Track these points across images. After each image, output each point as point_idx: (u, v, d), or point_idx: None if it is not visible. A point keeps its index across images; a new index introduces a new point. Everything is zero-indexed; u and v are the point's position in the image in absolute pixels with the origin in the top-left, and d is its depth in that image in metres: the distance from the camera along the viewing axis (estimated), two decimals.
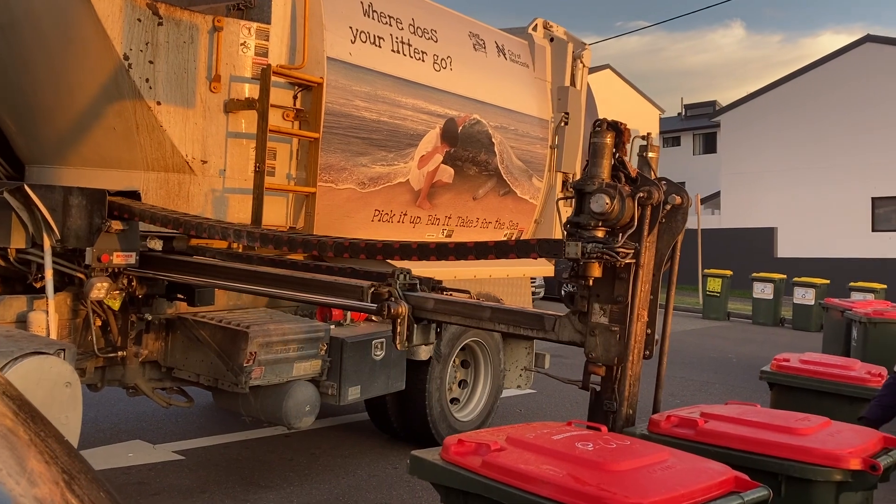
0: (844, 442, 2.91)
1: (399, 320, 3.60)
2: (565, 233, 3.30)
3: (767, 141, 29.95)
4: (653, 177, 3.33)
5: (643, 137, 3.66)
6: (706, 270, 20.10)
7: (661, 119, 43.40)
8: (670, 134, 45.94)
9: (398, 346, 3.67)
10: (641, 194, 3.15)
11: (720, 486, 2.27)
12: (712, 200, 35.83)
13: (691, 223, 29.30)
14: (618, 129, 3.21)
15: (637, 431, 3.06)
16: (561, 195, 7.70)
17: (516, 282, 7.21)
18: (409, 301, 3.68)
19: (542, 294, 19.81)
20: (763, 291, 18.63)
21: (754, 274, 19.21)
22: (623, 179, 3.20)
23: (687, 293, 25.04)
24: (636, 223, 3.13)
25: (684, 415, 3.19)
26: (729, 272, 19.65)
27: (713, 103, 47.01)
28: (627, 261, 3.15)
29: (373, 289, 3.76)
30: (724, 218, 31.28)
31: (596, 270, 3.18)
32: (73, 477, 0.87)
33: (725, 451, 2.80)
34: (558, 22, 7.78)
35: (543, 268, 7.75)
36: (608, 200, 3.06)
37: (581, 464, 2.23)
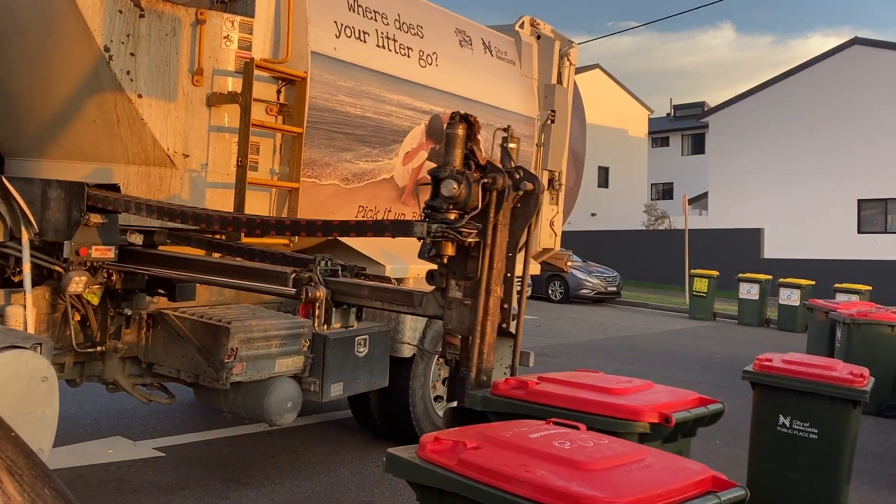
0: (652, 400, 3.24)
1: (318, 304, 3.83)
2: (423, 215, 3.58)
3: (755, 142, 30.09)
4: (512, 165, 3.61)
5: (504, 130, 3.97)
6: (693, 271, 20.17)
7: (649, 119, 43.55)
8: (659, 134, 46.11)
9: (316, 328, 3.92)
10: (487, 180, 3.43)
11: (697, 486, 2.25)
12: (700, 201, 35.99)
13: (679, 223, 29.42)
14: (469, 121, 3.48)
15: (479, 395, 3.35)
16: (548, 194, 7.69)
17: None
18: (328, 286, 3.90)
19: (528, 293, 19.82)
20: (749, 292, 18.71)
21: (741, 274, 19.30)
22: (473, 167, 3.45)
23: (673, 293, 25.15)
24: (480, 206, 3.41)
25: (522, 378, 3.46)
26: (715, 273, 19.73)
27: (702, 104, 47.21)
28: (471, 240, 3.44)
29: (294, 274, 3.97)
30: (711, 218, 31.42)
31: (449, 249, 3.48)
32: (15, 472, 0.84)
33: (548, 409, 3.13)
34: (549, 21, 7.77)
35: (531, 266, 7.73)
36: (456, 185, 3.35)
37: (558, 462, 2.21)
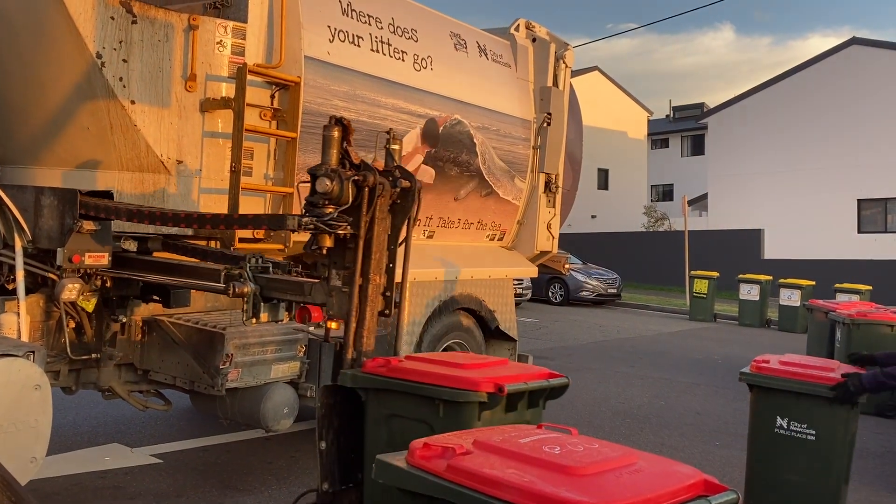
0: (495, 374, 3.45)
1: (245, 299, 4.06)
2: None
3: (755, 143, 30.08)
4: (394, 165, 3.96)
5: (387, 132, 4.26)
6: (693, 272, 20.15)
7: (649, 121, 43.53)
8: (658, 136, 46.10)
9: (244, 322, 4.13)
10: (358, 177, 3.71)
11: (689, 490, 2.23)
12: (700, 202, 35.96)
13: (679, 225, 29.36)
14: (343, 124, 3.77)
15: (349, 373, 3.64)
16: (545, 196, 7.69)
17: (499, 283, 7.18)
18: (257, 282, 4.12)
19: (528, 296, 19.81)
20: (749, 293, 18.69)
21: (741, 275, 19.28)
22: (348, 166, 3.74)
23: (674, 294, 25.13)
24: (352, 201, 3.70)
25: (389, 357, 3.73)
26: (715, 274, 19.71)
27: (701, 105, 47.19)
28: (342, 232, 3.74)
29: (226, 271, 4.18)
30: (711, 219, 31.39)
31: (327, 241, 3.78)
32: None
33: (404, 382, 3.43)
34: (547, 24, 7.77)
35: (527, 269, 7.73)
36: (329, 182, 3.64)
37: (547, 467, 2.20)
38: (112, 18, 4.49)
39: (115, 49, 4.50)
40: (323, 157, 3.77)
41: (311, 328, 5.50)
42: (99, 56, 4.44)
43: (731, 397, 9.54)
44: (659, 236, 32.69)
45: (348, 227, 3.75)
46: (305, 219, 3.68)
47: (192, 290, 4.96)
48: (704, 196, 34.23)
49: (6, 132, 5.00)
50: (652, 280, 29.19)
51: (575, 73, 8.28)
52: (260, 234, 5.23)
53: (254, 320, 4.11)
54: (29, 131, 4.86)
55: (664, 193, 45.18)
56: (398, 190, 3.84)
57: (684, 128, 45.01)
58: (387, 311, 3.96)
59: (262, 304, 4.13)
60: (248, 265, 4.14)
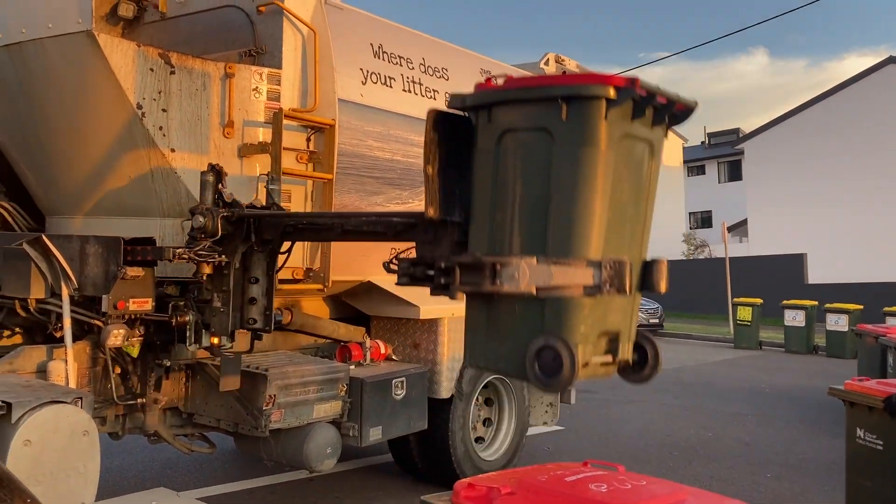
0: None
1: (188, 326, 4.42)
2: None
3: (793, 166, 29.69)
4: (272, 202, 4.49)
5: (267, 174, 4.73)
6: (736, 299, 19.81)
7: (684, 148, 43.28)
8: (695, 163, 45.78)
9: (187, 348, 4.48)
10: (226, 214, 4.21)
11: None
12: (740, 228, 35.50)
13: (719, 252, 28.84)
14: (216, 170, 4.32)
15: (459, 95, 3.11)
16: None
17: None
18: (199, 310, 4.47)
19: None
20: (795, 319, 18.31)
21: (785, 301, 18.89)
22: (222, 204, 4.26)
23: (717, 323, 24.70)
24: (221, 233, 4.19)
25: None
26: (759, 300, 19.34)
27: (737, 131, 46.83)
28: (210, 260, 4.21)
29: (172, 302, 4.50)
30: (752, 245, 30.94)
31: (206, 269, 4.26)
32: None
33: (523, 89, 2.88)
34: (578, 55, 7.88)
35: None
36: (201, 219, 4.16)
37: None
38: (151, 70, 4.62)
39: (154, 99, 4.63)
40: (200, 198, 4.32)
41: (352, 367, 5.52)
42: (139, 107, 4.57)
43: (780, 427, 9.30)
44: (699, 264, 32.26)
45: (221, 257, 4.26)
46: (179, 250, 4.18)
47: (236, 331, 5.01)
48: (744, 222, 33.82)
49: (52, 183, 5.15)
50: (694, 308, 28.74)
51: None
52: (299, 274, 5.29)
53: (195, 346, 4.49)
54: (73, 182, 5.00)
55: (703, 220, 44.69)
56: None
57: (720, 154, 44.65)
58: (267, 329, 4.45)
59: (203, 332, 4.48)
60: (192, 295, 4.48)
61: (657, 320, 22.23)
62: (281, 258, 4.54)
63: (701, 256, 34.20)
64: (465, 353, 3.15)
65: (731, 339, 19.68)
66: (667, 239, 36.53)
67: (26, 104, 4.89)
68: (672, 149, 40.93)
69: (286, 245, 4.54)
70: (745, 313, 19.17)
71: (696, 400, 11.16)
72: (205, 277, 4.33)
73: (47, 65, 4.68)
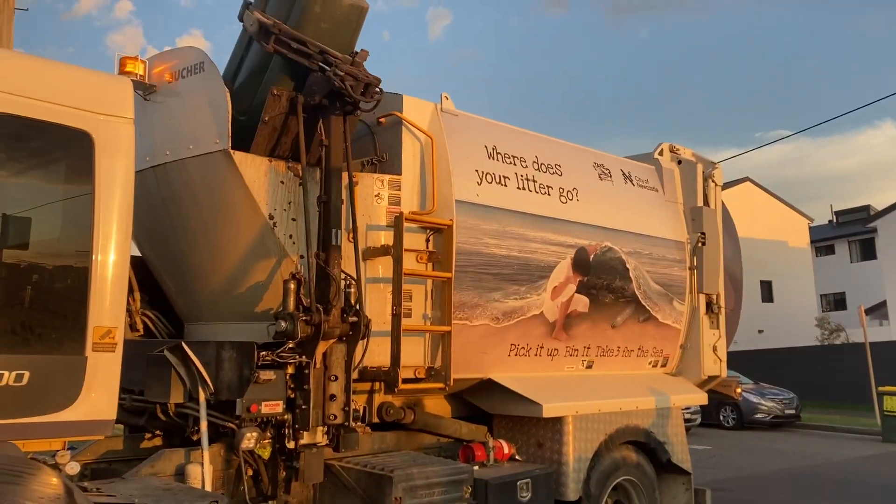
0: None
1: (286, 424, 4.70)
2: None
3: None
4: (352, 304, 4.79)
5: (344, 278, 4.84)
6: (881, 388, 18.36)
7: (810, 228, 41.49)
8: (822, 243, 43.75)
9: (286, 445, 4.71)
10: (304, 317, 4.54)
11: None
12: (879, 310, 33.26)
13: (857, 336, 26.91)
14: (297, 278, 4.64)
15: None
16: (707, 318, 7.41)
17: (666, 412, 6.87)
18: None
19: (698, 421, 18.72)
20: None
21: None
22: (301, 309, 4.58)
23: (860, 413, 22.87)
24: (301, 336, 4.53)
25: None
26: None
27: (867, 208, 44.67)
28: (293, 361, 4.60)
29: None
30: (894, 329, 28.83)
31: (289, 369, 4.62)
32: None
33: None
34: (693, 139, 7.81)
35: (695, 396, 7.37)
36: (283, 323, 4.51)
37: None
38: (282, 182, 4.92)
39: (284, 210, 4.90)
40: (283, 304, 4.60)
41: (476, 467, 5.45)
42: (271, 217, 4.85)
43: None
44: (836, 349, 30.24)
45: (301, 357, 4.57)
46: (264, 352, 4.46)
47: (359, 433, 5.08)
48: (883, 303, 31.72)
49: (190, 292, 5.47)
50: (833, 397, 26.78)
51: (725, 186, 8.13)
52: (421, 373, 5.34)
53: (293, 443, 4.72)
54: (210, 289, 5.30)
55: (836, 303, 42.26)
56: (349, 323, 4.72)
57: (850, 232, 42.50)
58: (347, 423, 4.76)
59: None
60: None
61: (793, 411, 20.85)
62: (358, 356, 4.82)
63: (837, 342, 32.11)
64: None
65: (879, 432, 18.16)
66: (797, 323, 34.66)
67: (168, 219, 5.27)
68: (796, 229, 39.34)
69: (361, 345, 4.82)
70: (892, 403, 17.71)
71: (845, 502, 10.27)
72: (288, 377, 4.60)
73: (188, 182, 5.06)
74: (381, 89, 5.04)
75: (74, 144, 3.94)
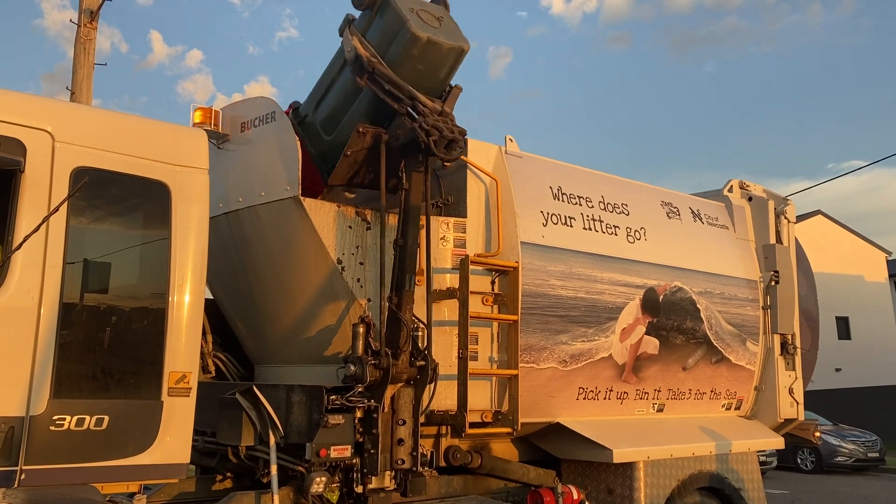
0: None
1: (355, 469, 4.70)
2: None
3: None
4: (421, 348, 4.79)
5: (413, 322, 4.86)
6: None
7: (888, 261, 39.90)
8: None
9: (355, 489, 4.69)
10: (373, 361, 4.57)
11: None
12: None
13: None
14: (367, 323, 4.66)
15: None
16: (782, 359, 7.18)
17: (741, 457, 6.65)
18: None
19: (774, 464, 18.01)
20: None
21: None
22: (370, 353, 4.59)
23: None
24: (369, 380, 4.55)
25: None
26: None
27: None
28: (361, 405, 4.58)
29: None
30: None
31: (358, 413, 4.62)
32: None
33: None
34: (762, 173, 7.64)
35: (771, 440, 7.12)
36: (353, 367, 4.55)
37: None
38: (350, 227, 5.00)
39: (352, 254, 4.97)
40: (352, 347, 4.63)
41: None
42: (339, 262, 4.92)
43: None
44: None
45: (370, 402, 4.58)
46: (333, 396, 4.47)
47: (426, 478, 5.05)
48: None
49: (260, 334, 5.57)
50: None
51: (797, 220, 7.91)
52: (488, 417, 5.29)
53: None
54: (279, 333, 5.39)
55: None
56: (417, 367, 4.74)
57: None
58: (415, 468, 4.73)
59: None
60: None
61: (877, 454, 19.87)
62: (425, 400, 4.81)
63: None
64: None
65: None
66: (877, 361, 33.20)
67: (240, 263, 5.40)
68: (873, 262, 37.90)
69: (429, 389, 4.81)
70: None
71: None
72: (356, 421, 4.61)
73: (260, 227, 5.18)
74: (465, 141, 5.06)
75: (153, 194, 4.10)
